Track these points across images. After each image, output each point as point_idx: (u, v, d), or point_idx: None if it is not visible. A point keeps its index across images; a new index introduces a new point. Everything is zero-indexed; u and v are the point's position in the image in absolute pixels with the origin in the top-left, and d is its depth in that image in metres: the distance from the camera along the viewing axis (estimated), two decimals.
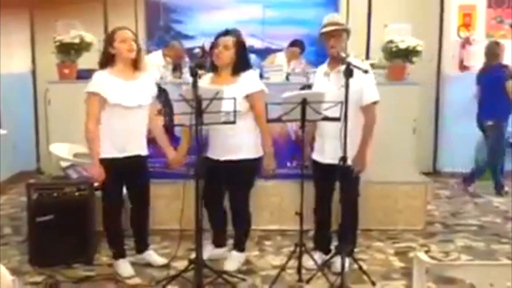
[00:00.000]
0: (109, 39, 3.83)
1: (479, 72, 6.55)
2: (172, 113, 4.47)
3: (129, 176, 3.88)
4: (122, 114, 3.74)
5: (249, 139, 3.91)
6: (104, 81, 3.73)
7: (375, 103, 3.90)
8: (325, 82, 3.95)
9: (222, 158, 3.89)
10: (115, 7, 6.81)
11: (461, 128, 7.12)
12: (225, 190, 4.09)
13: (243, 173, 3.96)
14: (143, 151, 3.93)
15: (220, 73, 3.93)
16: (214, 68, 3.97)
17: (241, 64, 3.91)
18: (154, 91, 3.98)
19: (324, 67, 4.05)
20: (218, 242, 4.25)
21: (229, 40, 3.87)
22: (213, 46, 3.92)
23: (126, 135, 3.78)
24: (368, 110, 3.89)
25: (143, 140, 3.92)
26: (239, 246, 4.15)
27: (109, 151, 3.76)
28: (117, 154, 3.78)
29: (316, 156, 4.03)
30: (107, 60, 3.82)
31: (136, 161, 3.87)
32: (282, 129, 4.78)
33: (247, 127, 3.87)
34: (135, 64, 3.86)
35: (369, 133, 3.89)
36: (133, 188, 4.01)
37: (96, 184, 4.31)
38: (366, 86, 3.83)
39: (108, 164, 3.74)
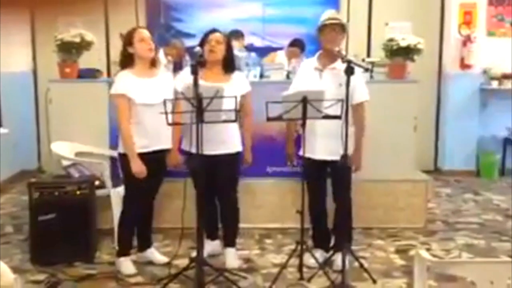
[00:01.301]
0: (128, 39, 3.89)
1: None
2: (173, 112, 4.46)
3: (152, 171, 3.89)
4: (148, 112, 3.81)
5: (234, 135, 4.00)
6: (128, 82, 3.82)
7: (364, 102, 3.96)
8: (316, 79, 3.95)
9: (209, 153, 3.84)
10: (115, 5, 6.81)
11: (461, 126, 7.14)
12: (213, 185, 4.08)
13: (230, 166, 4.00)
14: (168, 144, 3.99)
15: (210, 70, 3.94)
16: (201, 64, 3.96)
17: (231, 62, 4.02)
18: (172, 87, 3.99)
19: (313, 62, 4.04)
20: (212, 235, 4.30)
21: (220, 36, 3.97)
22: (203, 43, 3.95)
23: (154, 131, 3.85)
24: (357, 109, 3.93)
25: (169, 134, 3.95)
26: (231, 242, 4.17)
27: (138, 147, 3.83)
28: (145, 149, 3.84)
29: (306, 152, 4.01)
30: (127, 60, 3.90)
31: (161, 155, 3.96)
32: (282, 128, 4.76)
33: (234, 124, 3.89)
34: (153, 62, 3.95)
35: (361, 131, 3.98)
36: (150, 183, 3.98)
37: (97, 183, 4.34)
38: (357, 85, 3.85)
39: (140, 159, 3.81)
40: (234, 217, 4.14)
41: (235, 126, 3.94)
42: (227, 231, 4.20)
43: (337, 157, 3.76)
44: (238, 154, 4.04)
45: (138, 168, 3.81)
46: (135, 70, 3.88)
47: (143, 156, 3.83)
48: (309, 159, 3.95)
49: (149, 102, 3.81)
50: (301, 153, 3.95)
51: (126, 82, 3.83)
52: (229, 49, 4.00)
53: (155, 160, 3.90)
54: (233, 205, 4.12)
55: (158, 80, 3.93)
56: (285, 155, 4.28)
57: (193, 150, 3.60)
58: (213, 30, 4.00)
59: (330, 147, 3.85)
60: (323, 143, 3.91)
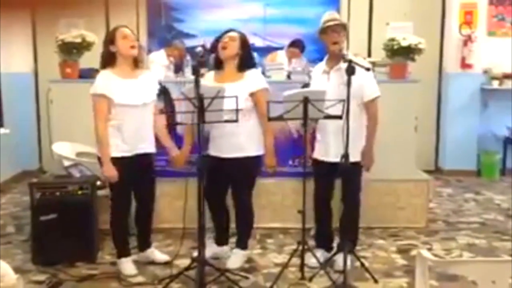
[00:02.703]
0: (110, 38, 3.82)
1: None
2: (173, 112, 4.47)
3: (137, 174, 3.88)
4: (129, 113, 3.75)
5: (252, 137, 3.93)
6: (108, 82, 3.75)
7: (376, 98, 3.94)
8: (324, 81, 3.95)
9: (226, 156, 3.90)
10: (116, 6, 6.82)
11: (462, 125, 7.14)
12: (227, 188, 4.10)
13: (246, 170, 3.96)
14: (152, 148, 3.94)
15: (225, 69, 3.94)
16: (218, 65, 3.98)
17: (246, 60, 3.95)
18: (156, 88, 3.97)
19: (322, 66, 4.05)
20: (221, 241, 4.26)
21: (234, 34, 3.94)
22: (218, 41, 3.95)
23: (134, 133, 3.79)
24: (370, 106, 3.93)
25: (151, 137, 3.92)
26: (242, 244, 4.16)
27: (118, 150, 3.77)
28: (127, 153, 3.79)
29: (319, 155, 4.02)
30: (109, 59, 3.82)
31: (145, 159, 3.89)
32: (283, 127, 4.77)
33: (251, 124, 3.89)
34: (136, 62, 3.87)
35: (374, 128, 3.95)
36: (141, 185, 3.99)
37: (98, 183, 4.35)
38: (366, 83, 3.85)
39: (118, 163, 3.75)
40: (246, 220, 4.11)
41: (251, 129, 3.90)
42: (238, 233, 4.18)
43: (351, 159, 3.71)
44: (254, 158, 3.95)
45: (109, 172, 3.73)
46: (117, 70, 3.80)
47: (124, 160, 3.76)
48: (321, 161, 3.95)
49: (131, 103, 3.74)
50: (314, 155, 3.96)
51: (105, 82, 3.75)
52: (244, 47, 3.94)
53: (137, 164, 3.83)
54: (245, 209, 4.07)
55: (139, 81, 3.84)
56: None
57: (209, 152, 3.61)
58: (229, 30, 3.98)
59: (342, 148, 3.79)
60: (335, 145, 3.85)
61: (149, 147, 3.92)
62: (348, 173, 3.75)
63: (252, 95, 3.88)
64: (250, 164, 3.94)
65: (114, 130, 3.76)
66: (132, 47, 3.80)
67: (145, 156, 3.90)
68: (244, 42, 3.95)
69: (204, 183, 3.57)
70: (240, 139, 3.87)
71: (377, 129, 3.99)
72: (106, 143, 3.74)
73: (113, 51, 3.80)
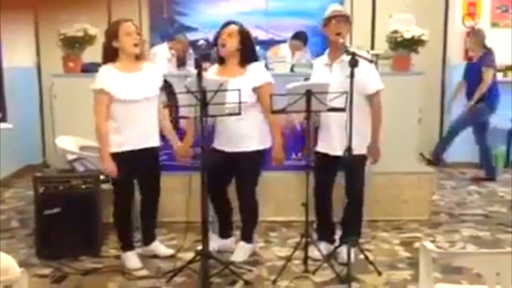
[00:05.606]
0: (113, 32, 3.76)
1: None
2: (177, 106, 4.46)
3: (141, 168, 3.87)
4: (130, 108, 3.72)
5: (256, 131, 3.92)
6: (109, 77, 3.72)
7: (379, 91, 3.92)
8: (327, 73, 3.94)
9: (230, 150, 3.90)
10: (118, 0, 6.80)
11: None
12: (230, 181, 4.10)
13: (251, 164, 3.96)
14: (155, 142, 3.91)
15: (227, 64, 3.92)
16: (220, 60, 3.96)
17: (247, 54, 3.91)
18: (160, 81, 3.93)
19: (324, 58, 4.03)
20: (224, 233, 4.27)
21: (233, 28, 3.88)
22: (217, 37, 3.92)
23: (136, 128, 3.76)
24: (373, 99, 3.90)
25: (155, 131, 3.89)
26: (247, 238, 4.16)
27: (120, 145, 3.76)
28: (129, 147, 3.77)
29: (322, 148, 4.01)
30: (111, 53, 3.78)
31: (148, 153, 3.87)
32: (288, 122, 4.75)
33: (255, 118, 3.88)
34: (138, 56, 3.84)
35: (379, 121, 3.93)
36: (145, 179, 4.00)
37: (102, 177, 4.35)
38: (369, 76, 3.83)
39: (119, 157, 3.74)
40: (251, 214, 4.11)
41: (255, 123, 3.89)
42: (243, 226, 4.17)
43: (354, 151, 3.69)
44: (257, 152, 3.94)
45: (110, 167, 3.73)
46: (119, 64, 3.76)
47: (125, 154, 3.75)
48: (324, 154, 3.94)
49: (131, 98, 3.71)
50: (317, 148, 3.95)
51: (106, 77, 3.71)
52: (244, 40, 3.89)
53: (140, 158, 3.81)
54: (249, 203, 4.07)
55: (142, 75, 3.80)
56: (304, 150, 4.23)
57: (215, 146, 3.64)
58: (228, 23, 3.92)
59: (346, 141, 3.79)
60: (339, 138, 3.83)
61: (153, 141, 3.89)
62: (352, 166, 3.74)
63: (255, 89, 3.86)
64: (254, 158, 3.94)
65: (115, 125, 3.75)
66: (135, 45, 3.75)
67: (149, 150, 3.87)
68: (244, 36, 3.90)
69: (207, 176, 3.56)
70: (244, 134, 3.87)
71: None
72: (105, 138, 3.72)
73: (115, 46, 3.75)
